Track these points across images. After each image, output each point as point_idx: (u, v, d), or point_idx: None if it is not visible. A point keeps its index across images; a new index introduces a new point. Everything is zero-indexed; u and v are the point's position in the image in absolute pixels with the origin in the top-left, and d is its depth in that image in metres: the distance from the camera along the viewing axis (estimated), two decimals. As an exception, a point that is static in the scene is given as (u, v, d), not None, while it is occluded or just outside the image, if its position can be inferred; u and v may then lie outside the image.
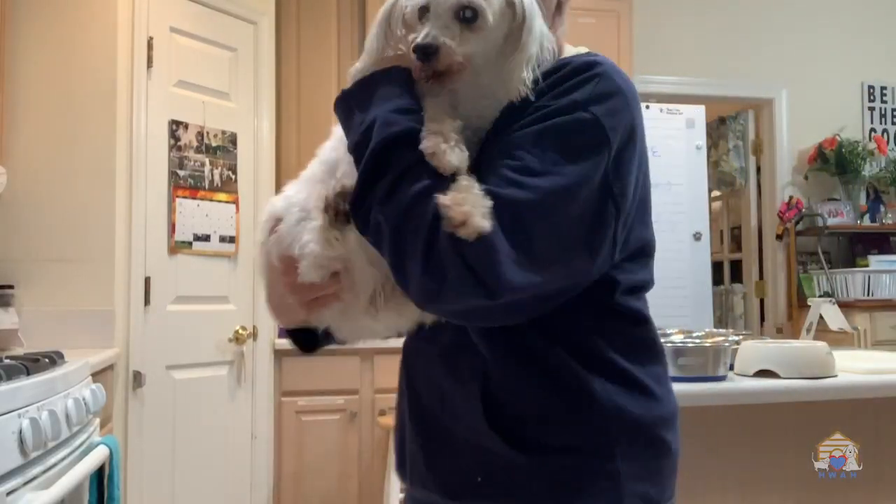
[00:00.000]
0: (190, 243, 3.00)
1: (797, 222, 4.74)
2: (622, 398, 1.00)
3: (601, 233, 0.94)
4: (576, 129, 0.94)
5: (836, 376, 1.57)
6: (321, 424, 3.40)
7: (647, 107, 3.42)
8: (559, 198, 0.90)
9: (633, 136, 1.01)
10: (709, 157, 4.60)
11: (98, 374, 2.30)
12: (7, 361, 1.70)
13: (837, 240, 4.95)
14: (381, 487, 3.31)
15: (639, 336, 1.09)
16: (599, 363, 1.01)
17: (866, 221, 4.78)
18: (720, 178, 5.31)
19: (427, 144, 0.91)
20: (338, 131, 1.04)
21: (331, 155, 1.05)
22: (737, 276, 5.44)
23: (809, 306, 2.73)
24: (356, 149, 0.96)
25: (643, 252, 1.10)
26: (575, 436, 0.99)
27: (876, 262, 4.56)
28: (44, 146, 2.71)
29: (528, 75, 0.95)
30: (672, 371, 1.51)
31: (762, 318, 5.07)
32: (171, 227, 2.93)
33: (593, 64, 0.99)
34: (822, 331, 2.63)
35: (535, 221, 0.89)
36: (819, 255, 4.67)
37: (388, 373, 2.42)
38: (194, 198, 3.02)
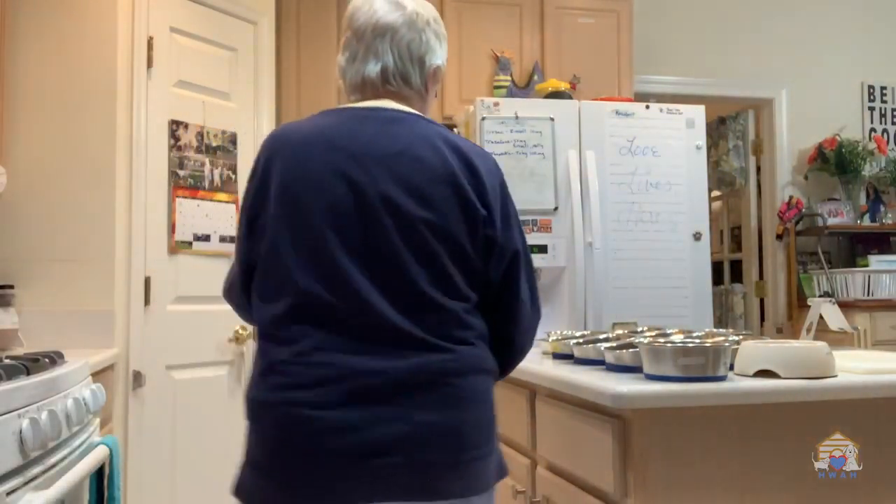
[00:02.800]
0: (190, 243, 3.00)
1: (797, 222, 4.74)
2: None
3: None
4: None
5: (836, 376, 1.57)
6: (321, 424, 3.39)
7: (647, 107, 3.42)
8: None
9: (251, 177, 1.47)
10: (709, 157, 4.61)
11: (98, 374, 2.30)
12: (7, 361, 1.70)
13: (837, 240, 4.95)
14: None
15: None
16: None
17: (866, 221, 4.79)
18: (720, 178, 5.31)
19: None
20: None
21: None
22: (737, 276, 5.44)
23: (809, 306, 2.73)
24: None
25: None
26: None
27: (876, 262, 4.56)
28: (44, 146, 2.71)
29: None
30: (672, 371, 1.51)
31: (762, 318, 5.08)
32: (171, 227, 2.93)
33: None
34: (822, 331, 2.63)
35: None
36: (819, 255, 4.68)
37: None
38: (194, 198, 3.03)
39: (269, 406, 1.33)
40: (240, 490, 1.37)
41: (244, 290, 1.48)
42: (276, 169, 1.41)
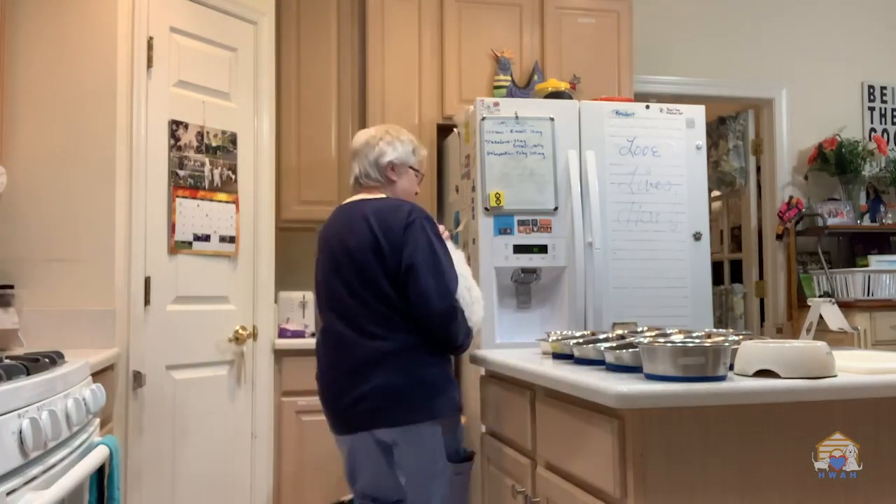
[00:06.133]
0: (190, 243, 3.00)
1: (797, 222, 4.74)
2: None
3: None
4: None
5: (836, 376, 1.57)
6: (321, 424, 3.35)
7: (648, 107, 3.42)
8: None
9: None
10: (709, 157, 4.61)
11: (98, 374, 2.30)
12: (7, 361, 1.70)
13: (837, 240, 4.95)
14: (381, 487, 3.30)
15: None
16: None
17: (866, 221, 4.78)
18: (720, 178, 5.31)
19: None
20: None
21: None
22: (737, 276, 5.44)
23: (809, 306, 2.73)
24: None
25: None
26: None
27: (876, 262, 4.55)
28: (44, 146, 2.71)
29: None
30: (672, 371, 1.51)
31: (762, 318, 5.07)
32: (171, 227, 2.94)
33: None
34: (822, 331, 2.63)
35: None
36: (819, 255, 4.67)
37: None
38: (194, 198, 3.03)
39: None
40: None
41: None
42: None
